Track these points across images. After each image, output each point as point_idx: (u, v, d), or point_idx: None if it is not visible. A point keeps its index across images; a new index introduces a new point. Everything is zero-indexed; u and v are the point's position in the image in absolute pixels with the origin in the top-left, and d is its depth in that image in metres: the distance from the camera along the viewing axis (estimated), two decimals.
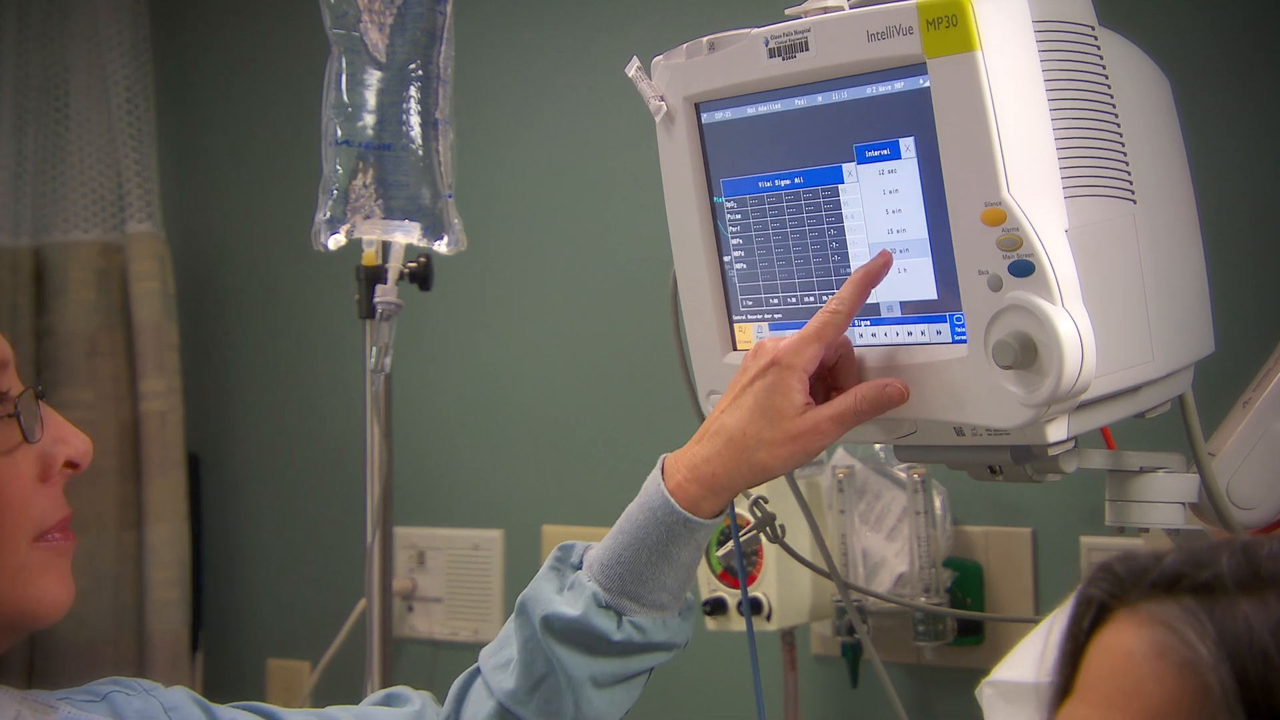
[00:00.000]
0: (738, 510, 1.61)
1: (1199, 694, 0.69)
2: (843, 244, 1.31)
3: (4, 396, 1.08)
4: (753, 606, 1.79)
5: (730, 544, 1.81)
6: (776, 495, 1.59)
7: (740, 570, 1.57)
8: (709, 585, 1.84)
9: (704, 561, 1.86)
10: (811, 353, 1.24)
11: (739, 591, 1.80)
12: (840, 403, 1.25)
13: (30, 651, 2.44)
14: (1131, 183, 1.27)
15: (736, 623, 1.81)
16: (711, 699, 2.05)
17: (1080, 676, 0.75)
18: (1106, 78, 1.26)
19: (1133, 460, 1.39)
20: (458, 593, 2.28)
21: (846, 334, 1.30)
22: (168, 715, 1.22)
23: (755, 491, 1.68)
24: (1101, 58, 1.26)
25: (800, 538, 1.61)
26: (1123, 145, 1.27)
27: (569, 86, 2.22)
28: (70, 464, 1.12)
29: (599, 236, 2.20)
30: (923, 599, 1.76)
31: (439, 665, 2.30)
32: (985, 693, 1.30)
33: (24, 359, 2.43)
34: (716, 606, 1.83)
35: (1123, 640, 0.73)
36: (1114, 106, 1.27)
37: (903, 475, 1.80)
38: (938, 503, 1.80)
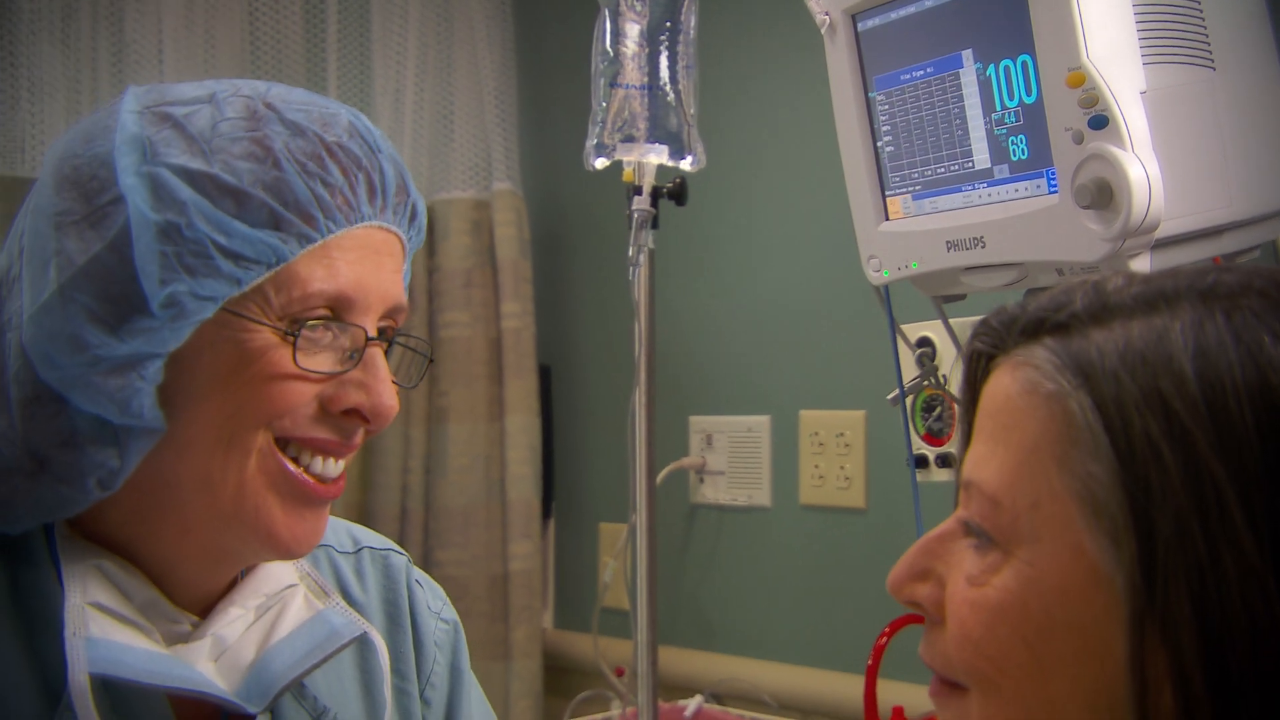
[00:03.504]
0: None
1: (1064, 420, 0.67)
2: (964, 120, 1.30)
3: (332, 326, 0.87)
4: (946, 461, 1.77)
5: (934, 411, 1.81)
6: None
7: (905, 424, 1.56)
8: (915, 445, 1.83)
9: (911, 425, 1.85)
10: None
11: (937, 448, 1.78)
12: None
13: (425, 512, 2.62)
14: (1211, 52, 1.21)
15: (936, 475, 1.79)
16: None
17: (975, 422, 0.74)
18: None
19: None
20: (736, 467, 2.33)
21: (969, 191, 1.29)
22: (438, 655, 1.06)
23: (925, 348, 1.68)
24: None
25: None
26: (1203, 20, 1.22)
27: (793, 34, 2.21)
28: (356, 412, 0.88)
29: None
30: None
31: (724, 525, 2.36)
32: None
33: (419, 289, 2.61)
34: (920, 461, 1.82)
35: (1001, 384, 0.71)
36: None
37: None
38: None
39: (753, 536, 2.31)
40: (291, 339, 0.85)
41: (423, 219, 0.95)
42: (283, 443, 0.88)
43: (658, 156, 1.76)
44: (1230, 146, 1.20)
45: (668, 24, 1.77)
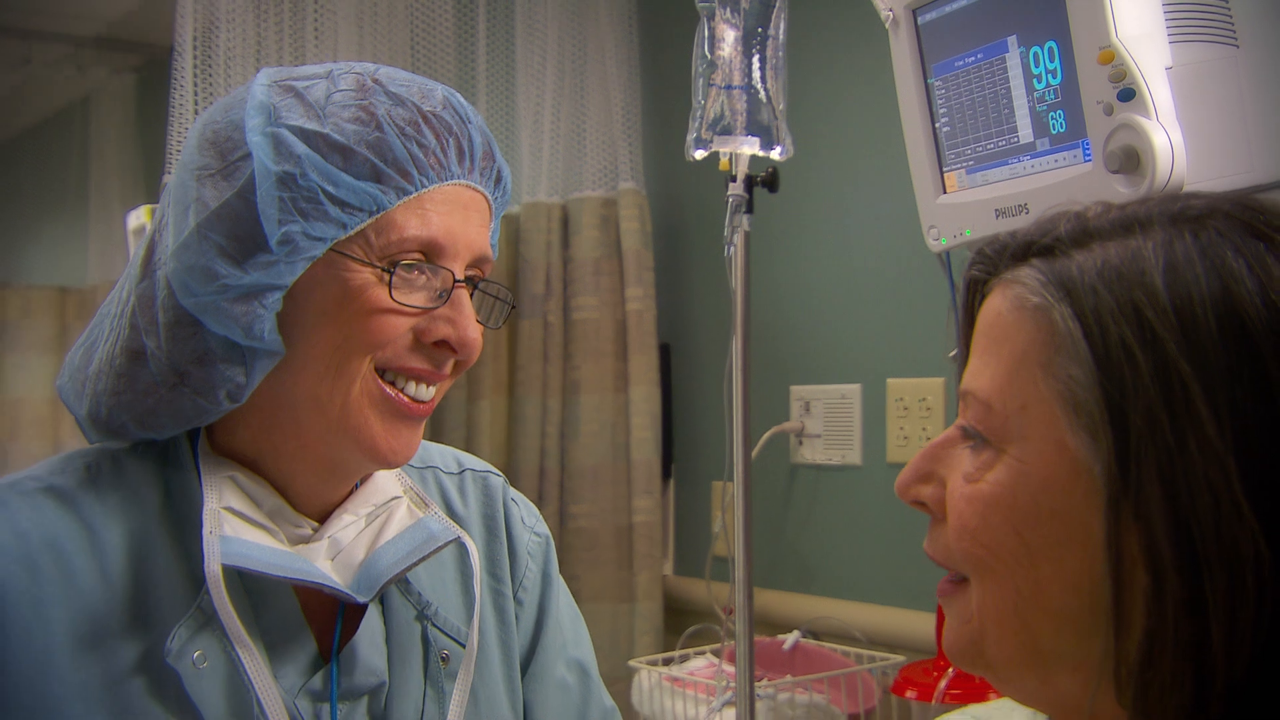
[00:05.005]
0: None
1: (1048, 330, 0.68)
2: (1009, 99, 1.30)
3: (425, 269, 0.91)
4: None
5: None
6: None
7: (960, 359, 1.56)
8: None
9: None
10: None
11: None
12: None
13: (560, 471, 2.68)
14: (1235, 32, 1.19)
15: None
16: None
17: (973, 340, 0.75)
18: None
19: None
20: (831, 430, 2.33)
21: (1014, 163, 1.29)
22: (528, 562, 1.09)
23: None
24: None
25: None
26: (1227, 2, 1.20)
27: (867, 35, 2.22)
28: (444, 344, 0.92)
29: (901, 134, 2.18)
30: None
31: (820, 482, 2.37)
32: None
33: (555, 276, 2.67)
34: None
35: (993, 304, 0.72)
36: None
37: None
38: None
39: (846, 492, 2.32)
40: (388, 275, 0.89)
41: (508, 183, 0.98)
42: (382, 371, 0.92)
43: (750, 147, 1.78)
44: (1252, 117, 1.18)
45: (760, 30, 1.79)
